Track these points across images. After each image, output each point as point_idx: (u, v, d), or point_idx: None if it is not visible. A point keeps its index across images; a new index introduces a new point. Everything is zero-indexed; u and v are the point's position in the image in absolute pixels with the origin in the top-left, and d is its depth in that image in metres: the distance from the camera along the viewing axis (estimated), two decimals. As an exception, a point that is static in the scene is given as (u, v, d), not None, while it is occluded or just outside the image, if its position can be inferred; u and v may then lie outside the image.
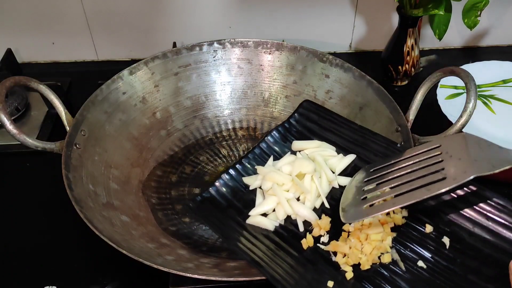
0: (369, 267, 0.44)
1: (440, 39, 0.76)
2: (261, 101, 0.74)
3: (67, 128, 0.60)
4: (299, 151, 0.58)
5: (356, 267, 0.45)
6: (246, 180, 0.56)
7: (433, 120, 0.65)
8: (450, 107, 0.70)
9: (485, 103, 0.74)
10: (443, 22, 0.75)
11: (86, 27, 0.85)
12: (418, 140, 0.58)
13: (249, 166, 0.57)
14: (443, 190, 0.42)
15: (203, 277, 0.46)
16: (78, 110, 0.61)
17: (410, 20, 0.76)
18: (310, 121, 0.60)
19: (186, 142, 0.70)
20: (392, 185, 0.46)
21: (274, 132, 0.60)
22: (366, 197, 0.46)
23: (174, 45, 0.85)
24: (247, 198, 0.54)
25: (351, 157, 0.56)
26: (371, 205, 0.45)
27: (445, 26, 0.75)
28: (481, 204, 0.46)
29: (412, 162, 0.47)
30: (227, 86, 0.74)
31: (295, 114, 0.62)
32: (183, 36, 0.87)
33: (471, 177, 0.42)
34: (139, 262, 0.46)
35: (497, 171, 0.41)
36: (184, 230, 0.59)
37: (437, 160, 0.45)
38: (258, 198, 0.54)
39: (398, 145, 0.54)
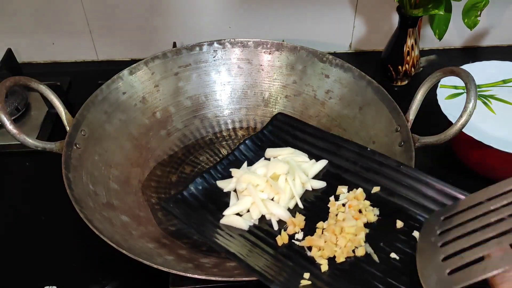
0: (344, 259, 0.45)
1: (440, 39, 0.76)
2: (261, 101, 0.74)
3: (67, 128, 0.60)
4: (273, 158, 0.59)
5: (331, 261, 0.46)
6: (220, 183, 0.56)
7: (433, 120, 0.65)
8: (450, 107, 0.70)
9: (485, 103, 0.74)
10: (443, 22, 0.75)
11: (86, 27, 0.85)
12: (418, 140, 0.58)
13: (223, 171, 0.58)
14: None
15: (203, 277, 0.46)
16: (78, 110, 0.61)
17: (410, 20, 0.76)
18: (284, 132, 0.62)
19: (186, 142, 0.70)
20: (478, 240, 0.37)
21: (247, 141, 0.61)
22: (446, 256, 0.39)
23: (174, 45, 0.85)
24: (220, 201, 0.55)
25: (323, 163, 0.57)
26: (456, 269, 0.37)
27: (445, 26, 0.75)
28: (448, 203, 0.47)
29: (495, 206, 0.38)
30: (227, 86, 0.74)
31: (268, 125, 0.63)
32: (183, 36, 0.87)
33: None
34: (139, 262, 0.46)
35: None
36: (184, 230, 0.58)
37: None
38: (232, 200, 0.54)
39: (368, 149, 0.55)
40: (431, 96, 0.68)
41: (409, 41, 0.78)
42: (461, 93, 0.74)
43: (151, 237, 0.55)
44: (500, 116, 0.70)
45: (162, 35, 0.87)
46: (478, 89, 0.73)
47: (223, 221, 0.52)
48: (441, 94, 0.74)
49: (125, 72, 0.68)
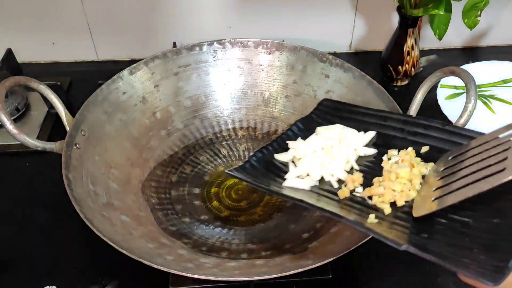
0: (404, 203, 0.47)
1: (440, 39, 0.76)
2: (261, 101, 0.74)
3: (67, 128, 0.60)
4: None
5: (392, 205, 0.47)
6: (278, 156, 0.58)
7: (433, 120, 0.65)
8: (450, 107, 0.70)
9: (485, 103, 0.74)
10: (443, 22, 0.75)
11: (86, 27, 0.85)
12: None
13: (278, 147, 0.59)
14: (498, 183, 0.39)
15: (203, 277, 0.46)
16: (78, 110, 0.61)
17: (410, 20, 0.76)
18: (330, 114, 0.63)
19: (186, 142, 0.70)
20: (458, 178, 0.44)
21: (298, 122, 0.63)
22: (437, 188, 0.45)
23: (174, 45, 0.85)
24: (279, 170, 0.56)
25: (371, 134, 0.58)
26: (438, 198, 0.44)
27: (445, 26, 0.75)
28: None
29: (481, 150, 0.45)
30: (227, 86, 0.73)
31: (316, 110, 0.63)
32: (183, 36, 0.87)
33: None
34: (139, 262, 0.46)
35: None
36: (184, 230, 0.59)
37: (503, 148, 0.42)
38: (291, 168, 0.56)
39: (413, 115, 0.56)
40: (431, 96, 0.68)
41: (409, 41, 0.78)
42: (461, 93, 0.74)
43: (151, 237, 0.55)
44: (500, 116, 0.70)
45: (162, 35, 0.87)
46: (478, 89, 0.73)
47: (285, 184, 0.53)
48: (441, 94, 0.74)
49: (125, 72, 0.68)
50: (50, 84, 0.63)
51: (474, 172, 0.42)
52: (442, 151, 0.51)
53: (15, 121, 0.61)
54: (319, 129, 0.59)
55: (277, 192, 0.51)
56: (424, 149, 0.53)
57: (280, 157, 0.57)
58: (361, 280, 0.57)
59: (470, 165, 0.44)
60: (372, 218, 0.45)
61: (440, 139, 0.53)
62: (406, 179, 0.48)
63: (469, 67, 0.77)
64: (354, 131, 0.58)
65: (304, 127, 0.62)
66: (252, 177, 0.53)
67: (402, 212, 0.46)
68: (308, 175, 0.54)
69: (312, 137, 0.58)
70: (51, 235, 0.60)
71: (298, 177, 0.54)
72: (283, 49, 0.72)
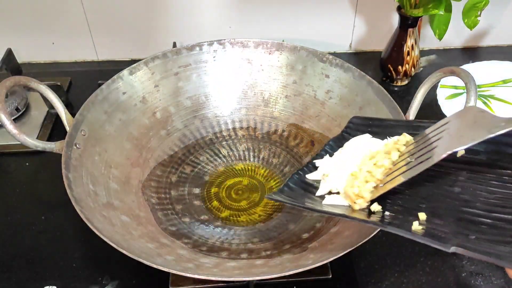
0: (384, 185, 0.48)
1: (440, 39, 0.77)
2: (261, 101, 0.74)
3: (67, 128, 0.60)
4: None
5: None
6: (309, 175, 0.58)
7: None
8: (450, 107, 0.70)
9: (485, 103, 0.74)
10: (443, 22, 0.75)
11: (86, 27, 0.85)
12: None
13: (312, 168, 0.59)
14: (422, 170, 0.44)
15: (203, 277, 0.46)
16: (78, 110, 0.61)
17: (410, 20, 0.76)
18: (361, 131, 0.63)
19: (186, 142, 0.70)
20: (402, 165, 0.47)
21: (330, 141, 0.63)
22: (388, 175, 0.48)
23: (174, 45, 0.85)
24: (317, 190, 0.56)
25: None
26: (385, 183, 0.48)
27: (445, 26, 0.75)
28: None
29: (426, 139, 0.49)
30: (227, 86, 0.73)
31: (346, 128, 0.64)
32: (183, 36, 0.87)
33: (443, 156, 0.43)
34: (139, 262, 0.46)
35: (469, 145, 0.42)
36: (184, 230, 0.59)
37: (436, 138, 0.47)
38: (322, 184, 0.56)
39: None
40: (431, 96, 0.68)
41: (409, 41, 0.78)
42: (461, 93, 0.74)
43: (151, 237, 0.55)
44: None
45: (162, 35, 0.87)
46: (478, 89, 0.73)
47: (324, 202, 0.53)
48: (441, 94, 0.74)
49: (125, 72, 0.68)
50: (50, 84, 0.63)
51: (412, 161, 0.47)
52: (477, 152, 0.51)
53: (15, 121, 0.61)
54: (347, 144, 0.60)
55: (318, 210, 0.52)
56: (460, 152, 0.52)
57: (312, 176, 0.58)
58: (361, 280, 0.57)
59: (413, 154, 0.48)
60: (416, 225, 0.45)
61: None
62: (365, 163, 0.50)
63: (469, 67, 0.77)
64: (383, 141, 0.57)
65: (336, 145, 0.62)
66: (291, 199, 0.53)
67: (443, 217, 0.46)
68: (338, 193, 0.54)
69: (338, 152, 0.58)
70: (51, 235, 0.60)
71: (335, 193, 0.53)
72: (283, 49, 0.72)
